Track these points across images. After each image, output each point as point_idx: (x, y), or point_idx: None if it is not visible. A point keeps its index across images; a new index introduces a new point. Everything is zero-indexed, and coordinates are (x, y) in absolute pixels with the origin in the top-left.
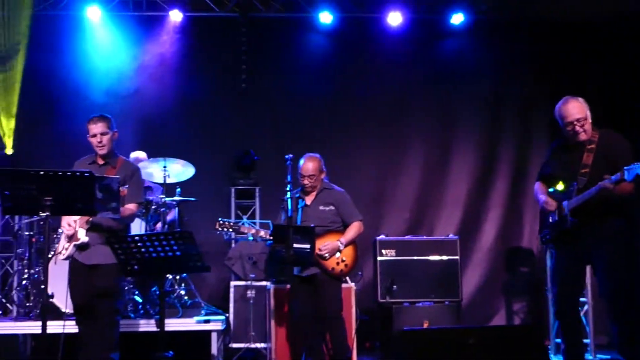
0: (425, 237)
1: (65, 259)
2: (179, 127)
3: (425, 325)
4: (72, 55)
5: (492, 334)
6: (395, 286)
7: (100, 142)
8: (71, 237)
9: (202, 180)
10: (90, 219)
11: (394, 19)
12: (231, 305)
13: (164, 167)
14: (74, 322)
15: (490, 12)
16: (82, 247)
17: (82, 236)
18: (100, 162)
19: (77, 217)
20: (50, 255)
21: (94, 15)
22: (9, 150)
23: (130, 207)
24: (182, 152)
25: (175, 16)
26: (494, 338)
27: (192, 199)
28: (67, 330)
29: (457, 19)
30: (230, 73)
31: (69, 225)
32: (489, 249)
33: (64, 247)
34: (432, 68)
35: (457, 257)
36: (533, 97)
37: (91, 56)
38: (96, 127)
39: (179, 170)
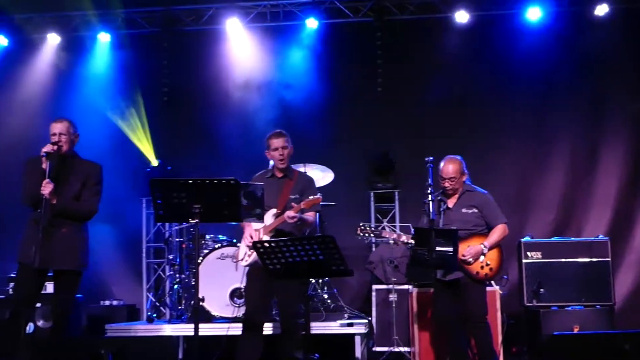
0: (573, 238)
1: (248, 265)
2: (318, 133)
3: (576, 330)
4: (212, 67)
5: None
6: (542, 289)
7: (282, 155)
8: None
9: (341, 184)
10: (274, 227)
11: (534, 13)
12: (373, 308)
13: (305, 172)
14: (225, 325)
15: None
16: None
17: None
18: (279, 175)
19: (259, 227)
20: (199, 260)
21: (234, 28)
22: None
23: (312, 214)
24: (321, 157)
25: (312, 24)
26: None
27: (332, 203)
28: (222, 333)
29: (602, 9)
30: (367, 77)
31: (251, 237)
32: None
33: (246, 254)
34: (577, 61)
35: (608, 259)
36: None
37: (231, 67)
38: (278, 142)
39: (319, 176)
